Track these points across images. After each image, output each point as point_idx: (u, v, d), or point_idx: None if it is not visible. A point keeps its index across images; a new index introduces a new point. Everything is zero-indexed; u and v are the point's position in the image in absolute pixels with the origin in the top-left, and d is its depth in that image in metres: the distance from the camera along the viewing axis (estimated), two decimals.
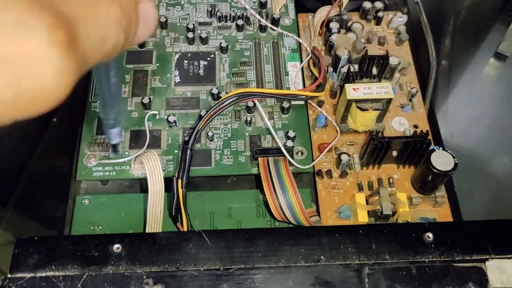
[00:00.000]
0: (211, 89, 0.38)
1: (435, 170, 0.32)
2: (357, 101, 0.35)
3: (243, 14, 0.42)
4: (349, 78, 0.36)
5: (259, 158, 0.34)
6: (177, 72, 0.39)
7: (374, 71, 0.38)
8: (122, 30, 0.16)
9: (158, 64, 0.40)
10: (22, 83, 0.12)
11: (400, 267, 0.26)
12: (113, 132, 0.26)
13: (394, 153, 0.35)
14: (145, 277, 0.25)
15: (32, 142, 0.38)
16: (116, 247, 0.26)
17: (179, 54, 0.40)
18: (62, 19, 0.13)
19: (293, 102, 0.38)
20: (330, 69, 0.39)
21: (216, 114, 0.35)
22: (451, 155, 0.32)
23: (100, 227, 0.33)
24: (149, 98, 0.37)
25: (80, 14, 0.14)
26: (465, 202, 0.37)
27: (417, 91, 0.39)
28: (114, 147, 0.31)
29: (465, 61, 0.44)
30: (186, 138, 0.35)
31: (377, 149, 0.34)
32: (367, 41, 0.41)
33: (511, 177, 0.38)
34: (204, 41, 0.41)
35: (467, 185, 0.38)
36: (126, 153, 0.36)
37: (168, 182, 0.33)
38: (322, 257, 0.26)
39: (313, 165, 0.36)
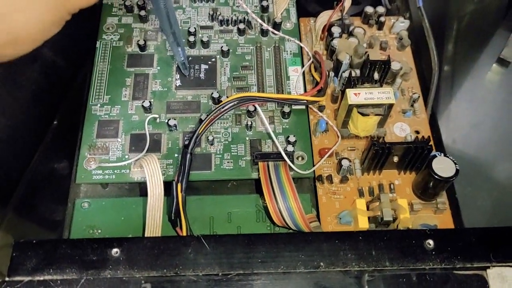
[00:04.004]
0: (212, 93, 0.37)
1: (436, 177, 0.32)
2: (358, 106, 0.34)
3: (244, 18, 0.42)
4: (351, 83, 0.36)
5: (259, 163, 0.34)
6: (178, 75, 0.39)
7: (376, 76, 0.37)
8: None
9: (159, 68, 0.40)
10: None
11: (400, 274, 0.26)
12: (182, 55, 0.37)
13: (395, 159, 0.34)
14: (143, 281, 0.25)
15: (32, 145, 0.38)
16: (115, 251, 0.26)
17: None
18: None
19: (294, 107, 0.38)
20: (332, 74, 0.39)
21: (217, 118, 0.35)
22: (453, 161, 0.32)
23: (99, 231, 0.33)
24: (150, 102, 0.37)
25: None
26: (467, 208, 0.36)
27: (418, 97, 0.39)
28: (184, 65, 0.38)
29: (467, 67, 0.44)
30: (186, 142, 0.34)
31: (378, 154, 0.33)
32: (369, 46, 0.41)
33: None
34: (205, 45, 0.41)
35: (469, 191, 0.38)
36: (126, 156, 0.35)
37: (168, 186, 0.33)
38: (321, 264, 0.26)
39: (314, 170, 0.35)
